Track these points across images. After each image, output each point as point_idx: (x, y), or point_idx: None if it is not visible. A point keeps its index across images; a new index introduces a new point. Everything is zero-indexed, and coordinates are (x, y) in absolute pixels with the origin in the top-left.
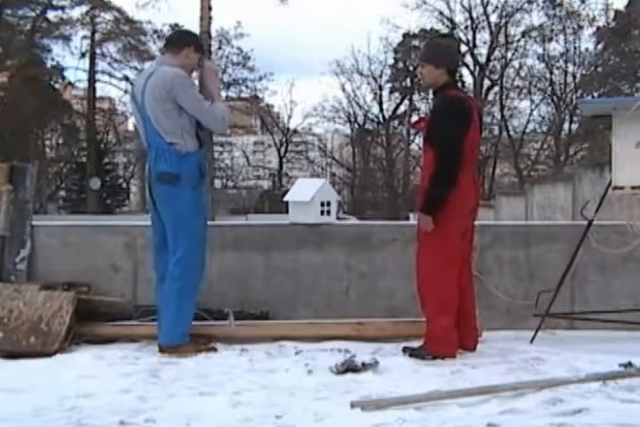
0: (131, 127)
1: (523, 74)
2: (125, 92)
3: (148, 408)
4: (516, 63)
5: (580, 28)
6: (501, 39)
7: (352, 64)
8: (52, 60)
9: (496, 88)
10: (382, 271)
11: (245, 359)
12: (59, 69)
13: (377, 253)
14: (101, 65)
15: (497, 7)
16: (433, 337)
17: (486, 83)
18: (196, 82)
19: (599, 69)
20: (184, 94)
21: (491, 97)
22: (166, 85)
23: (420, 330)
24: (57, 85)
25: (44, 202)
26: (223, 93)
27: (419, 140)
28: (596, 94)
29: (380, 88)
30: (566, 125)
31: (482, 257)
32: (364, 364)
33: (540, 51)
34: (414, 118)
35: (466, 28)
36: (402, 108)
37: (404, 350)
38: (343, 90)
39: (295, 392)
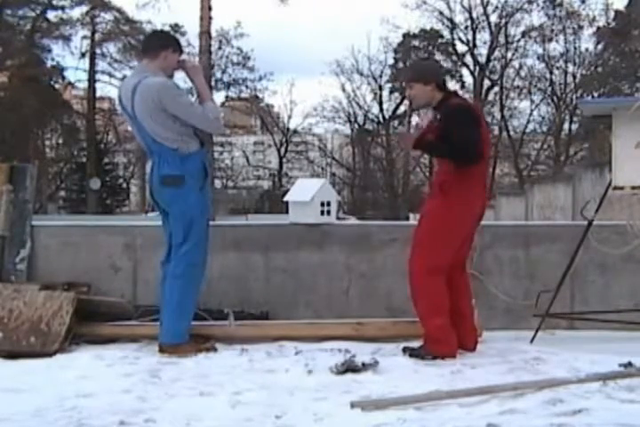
0: (130, 128)
1: (523, 74)
2: None
3: (148, 408)
4: (516, 63)
5: (580, 28)
6: (501, 39)
7: (352, 64)
8: (52, 60)
9: (496, 88)
10: (382, 271)
11: (245, 359)
12: (59, 69)
13: (377, 254)
14: (101, 65)
15: (497, 7)
16: (431, 338)
17: (486, 83)
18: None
19: (599, 69)
20: (174, 104)
21: (491, 97)
22: (154, 99)
23: (420, 330)
24: (57, 85)
25: (44, 202)
26: (223, 93)
27: None
28: (596, 94)
29: (380, 88)
30: (566, 125)
31: (482, 257)
32: (363, 364)
33: (540, 51)
34: (415, 119)
35: (466, 28)
36: (402, 109)
37: (404, 350)
38: (343, 90)
39: (295, 392)
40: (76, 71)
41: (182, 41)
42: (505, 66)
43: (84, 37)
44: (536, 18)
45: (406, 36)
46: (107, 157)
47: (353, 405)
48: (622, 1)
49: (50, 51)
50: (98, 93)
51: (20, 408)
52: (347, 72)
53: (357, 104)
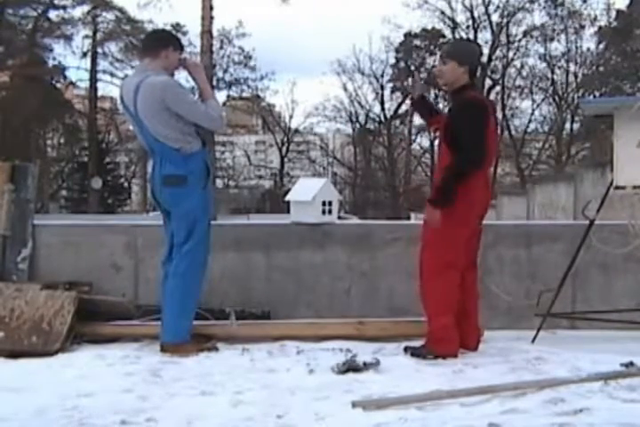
0: (132, 127)
1: (524, 73)
2: None
3: (149, 408)
4: (517, 63)
5: (582, 27)
6: (503, 39)
7: (353, 64)
8: (54, 59)
9: (497, 88)
10: (384, 271)
11: (247, 359)
12: (60, 69)
13: (378, 253)
14: (103, 64)
15: (498, 7)
16: (434, 337)
17: (488, 82)
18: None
19: (601, 69)
20: (177, 102)
21: (492, 97)
22: (157, 97)
23: (422, 330)
24: (58, 85)
25: (46, 201)
26: (225, 93)
27: (420, 139)
28: (597, 94)
29: (382, 88)
30: (568, 125)
31: (483, 257)
32: (365, 363)
33: (542, 50)
34: (417, 118)
35: (467, 27)
36: (403, 108)
37: (406, 349)
38: (345, 89)
39: (296, 392)
40: (78, 71)
41: (184, 40)
42: (506, 65)
43: (86, 37)
44: (537, 17)
45: (408, 35)
46: (108, 157)
47: (354, 404)
48: (624, 0)
49: (51, 50)
50: (99, 93)
51: (21, 408)
52: (348, 71)
53: (359, 103)
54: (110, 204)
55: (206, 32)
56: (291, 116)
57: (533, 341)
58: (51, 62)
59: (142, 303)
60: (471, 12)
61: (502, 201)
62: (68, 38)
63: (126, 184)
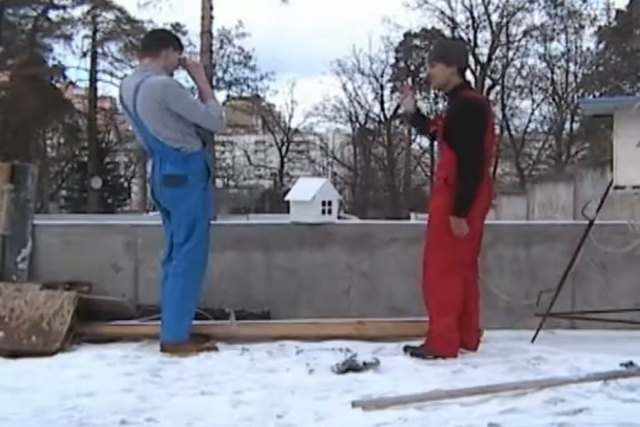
0: (131, 127)
1: (524, 73)
2: None
3: (149, 408)
4: (517, 62)
5: (582, 27)
6: (503, 38)
7: (353, 63)
8: (54, 59)
9: (497, 87)
10: (383, 271)
11: (246, 359)
12: (60, 69)
13: (378, 253)
14: (103, 64)
15: (498, 6)
16: (434, 336)
17: (487, 82)
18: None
19: (600, 69)
20: (178, 102)
21: (492, 96)
22: (158, 97)
23: (421, 330)
24: (58, 85)
25: (46, 201)
26: (224, 92)
27: (420, 139)
28: (597, 94)
29: (382, 87)
30: (567, 125)
31: (483, 256)
32: (365, 363)
33: (542, 50)
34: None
35: (467, 27)
36: (403, 108)
37: (405, 349)
38: (344, 89)
39: (296, 392)
40: (78, 70)
41: (184, 40)
42: (506, 65)
43: (86, 37)
44: (537, 17)
45: (407, 35)
46: (108, 157)
47: (354, 404)
48: (624, 0)
49: (51, 50)
50: (99, 93)
51: (20, 408)
52: (348, 71)
53: (359, 103)
54: (110, 204)
55: (206, 32)
56: (290, 116)
57: (533, 341)
58: (50, 62)
59: (142, 303)
60: (471, 11)
61: (502, 201)
62: (68, 38)
63: (126, 184)
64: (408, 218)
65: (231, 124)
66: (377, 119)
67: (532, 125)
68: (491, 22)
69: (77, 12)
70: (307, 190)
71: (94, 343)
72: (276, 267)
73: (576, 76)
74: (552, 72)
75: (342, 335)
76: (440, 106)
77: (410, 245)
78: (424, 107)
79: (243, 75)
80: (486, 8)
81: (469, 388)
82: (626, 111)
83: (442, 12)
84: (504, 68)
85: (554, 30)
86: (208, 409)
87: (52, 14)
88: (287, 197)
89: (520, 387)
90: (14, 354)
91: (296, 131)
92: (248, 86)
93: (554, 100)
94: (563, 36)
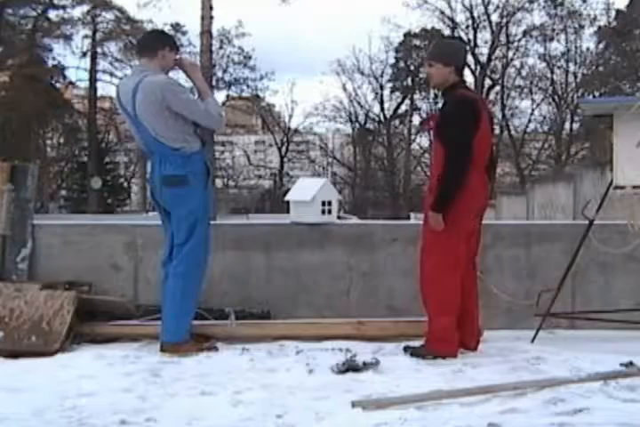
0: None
1: (524, 73)
2: None
3: (148, 408)
4: (517, 63)
5: (582, 27)
6: (502, 39)
7: (353, 63)
8: (54, 59)
9: (497, 87)
10: (383, 271)
11: (246, 359)
12: (60, 69)
13: (378, 253)
14: (102, 64)
15: (498, 6)
16: (434, 336)
17: (487, 82)
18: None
19: (600, 69)
20: (177, 101)
21: (492, 96)
22: (157, 97)
23: (421, 329)
24: (58, 85)
25: (46, 201)
26: (224, 92)
27: (420, 139)
28: (597, 94)
29: (381, 87)
30: (567, 125)
31: (483, 256)
32: (364, 363)
33: (542, 50)
34: (416, 118)
35: (467, 27)
36: (403, 108)
37: (405, 349)
38: (344, 89)
39: (296, 392)
40: (77, 70)
41: (183, 40)
42: (506, 65)
43: (85, 37)
44: (537, 17)
45: (407, 35)
46: (108, 157)
47: (354, 404)
48: (623, 0)
49: (51, 50)
50: (99, 93)
51: (20, 408)
52: (348, 71)
53: (358, 103)
54: (110, 203)
55: (206, 32)
56: (290, 116)
57: (533, 340)
58: (50, 62)
59: (142, 303)
60: (471, 11)
61: (502, 201)
62: (68, 38)
63: (126, 184)
64: (408, 218)
65: (231, 124)
66: (377, 119)
67: (531, 125)
68: (490, 22)
69: (77, 12)
70: (307, 190)
71: (94, 343)
72: (276, 267)
73: (576, 76)
74: (552, 72)
75: (342, 335)
76: (440, 106)
77: (410, 245)
78: (424, 106)
79: (242, 75)
80: (486, 8)
81: (469, 388)
82: (625, 111)
83: (442, 12)
84: (504, 68)
85: (554, 30)
86: (208, 409)
87: (52, 14)
88: (287, 197)
89: (520, 387)
90: (14, 354)
91: (296, 131)
92: (248, 86)
93: (554, 100)
94: (562, 36)
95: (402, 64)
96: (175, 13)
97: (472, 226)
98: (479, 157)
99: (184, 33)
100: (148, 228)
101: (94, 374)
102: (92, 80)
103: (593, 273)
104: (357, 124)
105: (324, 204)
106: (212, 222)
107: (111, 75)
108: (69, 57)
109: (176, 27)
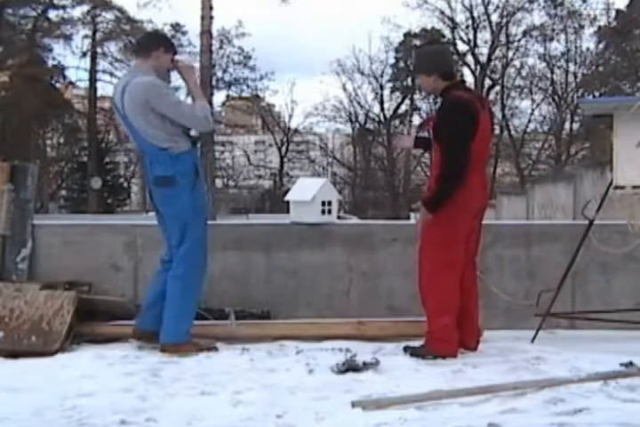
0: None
1: (524, 73)
2: None
3: (148, 408)
4: (517, 63)
5: (582, 27)
6: (502, 39)
7: (353, 63)
8: (54, 59)
9: (497, 87)
10: (383, 271)
11: (246, 359)
12: (60, 69)
13: (378, 253)
14: (102, 64)
15: (498, 6)
16: (434, 336)
17: (487, 82)
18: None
19: (600, 69)
20: (160, 102)
21: (492, 96)
22: (141, 99)
23: (421, 330)
24: (58, 85)
25: (45, 201)
26: (224, 92)
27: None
28: (597, 94)
29: (381, 87)
30: (567, 125)
31: (482, 256)
32: (364, 363)
33: (541, 50)
34: (416, 118)
35: (467, 27)
36: (403, 108)
37: (405, 349)
38: (344, 89)
39: (296, 392)
40: (77, 70)
41: (183, 40)
42: (506, 65)
43: (85, 37)
44: (537, 17)
45: (407, 35)
46: (108, 157)
47: (354, 404)
48: (623, 0)
49: (51, 50)
50: (99, 93)
51: (20, 408)
52: (348, 71)
53: (358, 103)
54: (110, 204)
55: (206, 32)
56: (290, 116)
57: (533, 340)
58: (50, 62)
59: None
60: (471, 11)
61: (502, 201)
62: (68, 38)
63: (126, 184)
64: (408, 218)
65: (231, 124)
66: (377, 119)
67: (531, 125)
68: (490, 22)
69: (77, 12)
70: (306, 190)
71: (94, 343)
72: (275, 267)
73: (576, 76)
74: (552, 72)
75: (342, 335)
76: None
77: (410, 245)
78: (424, 106)
79: (242, 75)
80: (486, 8)
81: (469, 388)
82: (625, 111)
83: (442, 12)
84: (504, 68)
85: (553, 30)
86: (208, 409)
87: (52, 14)
88: (287, 197)
89: (520, 387)
90: (14, 354)
91: (296, 131)
92: (248, 86)
93: (553, 100)
94: (562, 36)
95: (402, 64)
96: (175, 13)
97: (471, 226)
98: (478, 157)
99: (184, 33)
100: (147, 228)
101: (94, 374)
102: (92, 80)
103: (593, 273)
104: (357, 124)
105: (323, 204)
106: (211, 222)
107: (111, 75)
108: (69, 57)
109: (176, 27)
